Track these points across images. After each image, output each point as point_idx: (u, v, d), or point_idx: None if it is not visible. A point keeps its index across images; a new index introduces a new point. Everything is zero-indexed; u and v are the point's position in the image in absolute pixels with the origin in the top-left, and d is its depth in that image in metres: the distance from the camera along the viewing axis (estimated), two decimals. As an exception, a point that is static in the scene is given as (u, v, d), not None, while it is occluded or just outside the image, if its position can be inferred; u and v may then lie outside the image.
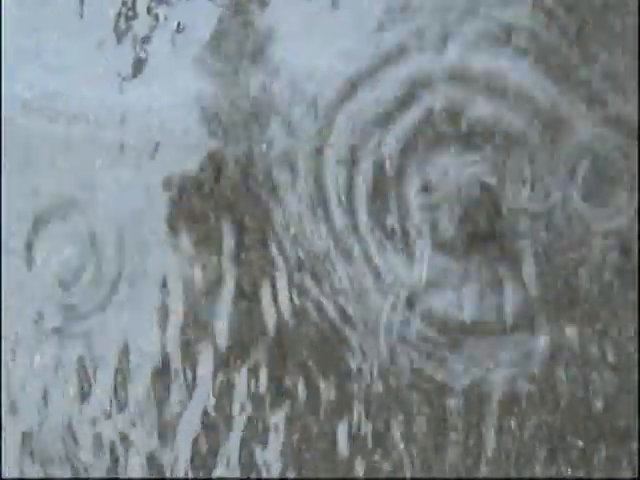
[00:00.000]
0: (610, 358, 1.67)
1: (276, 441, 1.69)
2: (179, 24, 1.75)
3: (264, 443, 1.70)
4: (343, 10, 1.74)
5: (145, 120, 1.74)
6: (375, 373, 1.68)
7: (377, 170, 1.72)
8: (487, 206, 1.68)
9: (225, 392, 1.71)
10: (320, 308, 1.70)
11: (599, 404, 1.67)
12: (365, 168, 1.71)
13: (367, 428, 1.68)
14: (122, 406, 1.72)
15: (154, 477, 1.71)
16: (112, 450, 1.72)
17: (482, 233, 1.68)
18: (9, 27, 1.75)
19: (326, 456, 1.69)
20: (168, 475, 1.71)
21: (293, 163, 1.73)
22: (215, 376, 1.71)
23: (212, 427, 1.71)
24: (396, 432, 1.68)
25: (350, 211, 1.72)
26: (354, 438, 1.68)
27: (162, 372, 1.72)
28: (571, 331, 1.71)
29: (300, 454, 1.69)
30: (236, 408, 1.71)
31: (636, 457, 1.68)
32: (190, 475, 1.71)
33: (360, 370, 1.68)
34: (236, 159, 1.74)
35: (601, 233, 1.67)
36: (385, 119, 1.71)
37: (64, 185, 1.75)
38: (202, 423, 1.71)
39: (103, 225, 1.74)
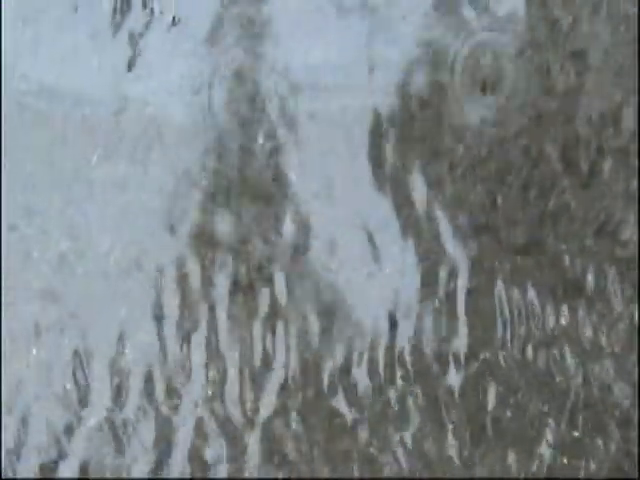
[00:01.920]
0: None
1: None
2: (174, 17, 1.76)
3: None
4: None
5: (140, 113, 1.74)
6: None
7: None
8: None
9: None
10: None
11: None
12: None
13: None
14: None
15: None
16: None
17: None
18: (5, 20, 1.75)
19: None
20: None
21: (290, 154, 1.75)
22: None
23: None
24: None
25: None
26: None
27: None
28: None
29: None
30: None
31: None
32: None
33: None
34: (232, 153, 1.75)
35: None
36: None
37: (60, 178, 1.74)
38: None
39: (99, 219, 1.74)
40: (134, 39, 1.74)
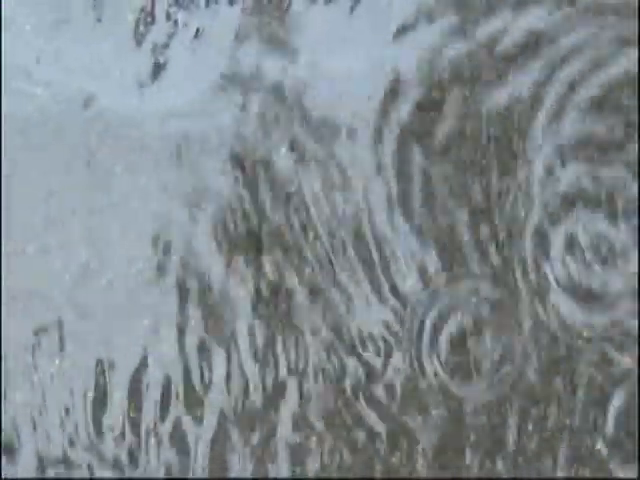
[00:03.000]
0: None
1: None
2: (198, 30, 1.76)
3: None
4: (362, 15, 1.76)
5: (163, 124, 1.74)
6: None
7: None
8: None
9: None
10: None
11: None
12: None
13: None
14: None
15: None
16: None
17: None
18: (29, 31, 1.76)
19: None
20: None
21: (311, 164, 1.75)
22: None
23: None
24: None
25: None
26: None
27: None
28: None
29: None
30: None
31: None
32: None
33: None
34: (256, 163, 1.75)
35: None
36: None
37: (82, 189, 1.75)
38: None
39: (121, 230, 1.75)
40: (158, 51, 1.75)
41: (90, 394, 1.73)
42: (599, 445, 1.69)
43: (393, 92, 1.75)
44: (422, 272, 1.72)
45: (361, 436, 1.70)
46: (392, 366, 1.70)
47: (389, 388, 1.70)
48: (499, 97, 1.74)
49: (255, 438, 1.71)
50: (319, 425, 1.71)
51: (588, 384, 1.69)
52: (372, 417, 1.70)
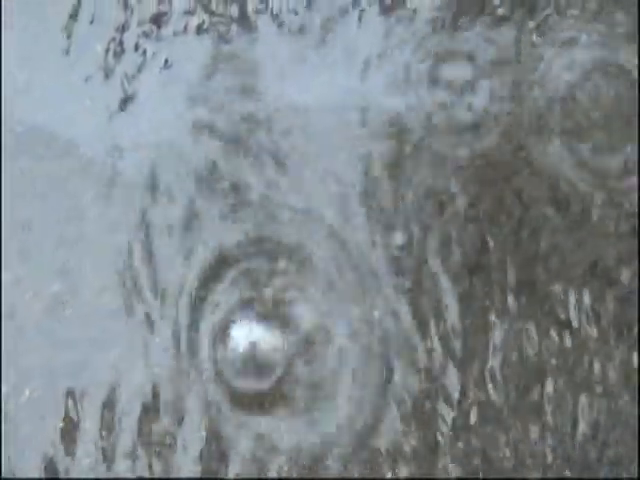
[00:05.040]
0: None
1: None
2: (167, 60, 1.77)
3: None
4: (331, 45, 1.77)
5: (133, 155, 1.75)
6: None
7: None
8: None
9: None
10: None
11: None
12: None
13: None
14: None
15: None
16: None
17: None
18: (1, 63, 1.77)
19: None
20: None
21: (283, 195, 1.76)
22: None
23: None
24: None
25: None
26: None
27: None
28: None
29: None
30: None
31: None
32: None
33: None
34: (223, 194, 1.76)
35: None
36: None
37: (54, 219, 1.75)
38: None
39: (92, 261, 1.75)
40: (127, 81, 1.75)
41: (60, 424, 1.72)
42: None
43: (363, 123, 1.77)
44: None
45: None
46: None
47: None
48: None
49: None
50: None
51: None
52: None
